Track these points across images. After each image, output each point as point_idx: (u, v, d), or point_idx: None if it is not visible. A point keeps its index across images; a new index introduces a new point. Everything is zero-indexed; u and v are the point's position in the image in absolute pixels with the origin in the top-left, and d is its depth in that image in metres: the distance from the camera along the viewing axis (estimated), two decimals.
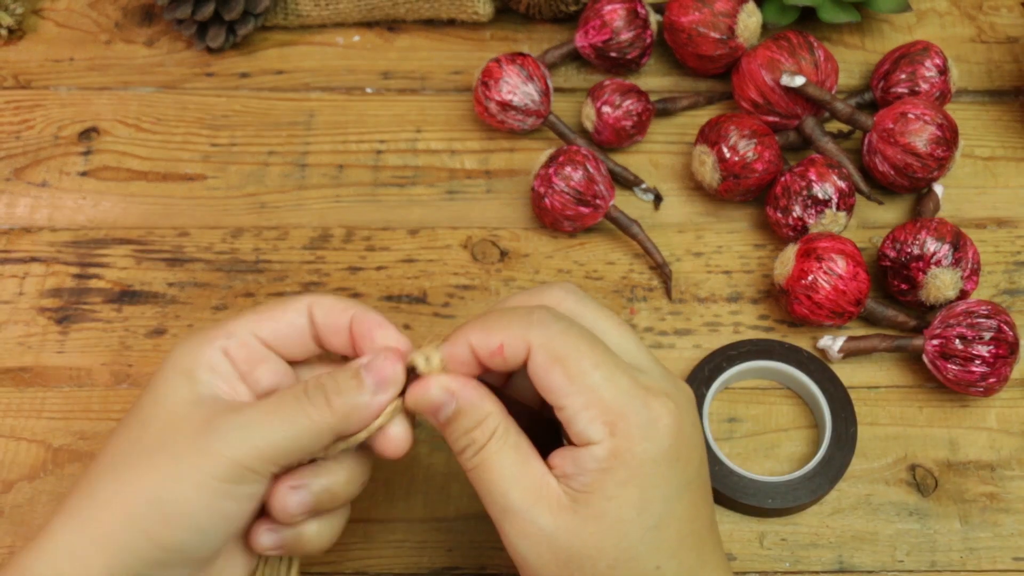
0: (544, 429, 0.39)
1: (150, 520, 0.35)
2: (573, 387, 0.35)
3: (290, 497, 0.37)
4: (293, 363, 0.40)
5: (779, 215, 0.54)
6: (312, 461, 0.38)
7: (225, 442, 0.35)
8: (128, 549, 0.35)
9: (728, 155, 0.54)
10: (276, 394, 0.37)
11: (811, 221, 0.54)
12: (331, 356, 0.41)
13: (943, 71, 0.58)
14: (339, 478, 0.38)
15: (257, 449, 0.36)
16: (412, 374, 0.38)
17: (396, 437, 0.38)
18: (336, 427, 0.37)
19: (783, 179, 0.54)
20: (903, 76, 0.58)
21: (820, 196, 0.53)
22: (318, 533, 0.39)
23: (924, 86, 0.58)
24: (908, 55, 0.58)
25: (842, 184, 0.54)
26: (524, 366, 0.37)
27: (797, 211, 0.54)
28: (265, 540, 0.38)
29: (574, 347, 0.36)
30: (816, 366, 0.51)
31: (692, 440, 0.37)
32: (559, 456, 0.36)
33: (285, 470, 0.37)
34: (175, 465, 0.35)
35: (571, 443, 0.36)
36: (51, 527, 0.36)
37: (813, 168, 0.54)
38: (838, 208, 0.53)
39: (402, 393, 0.38)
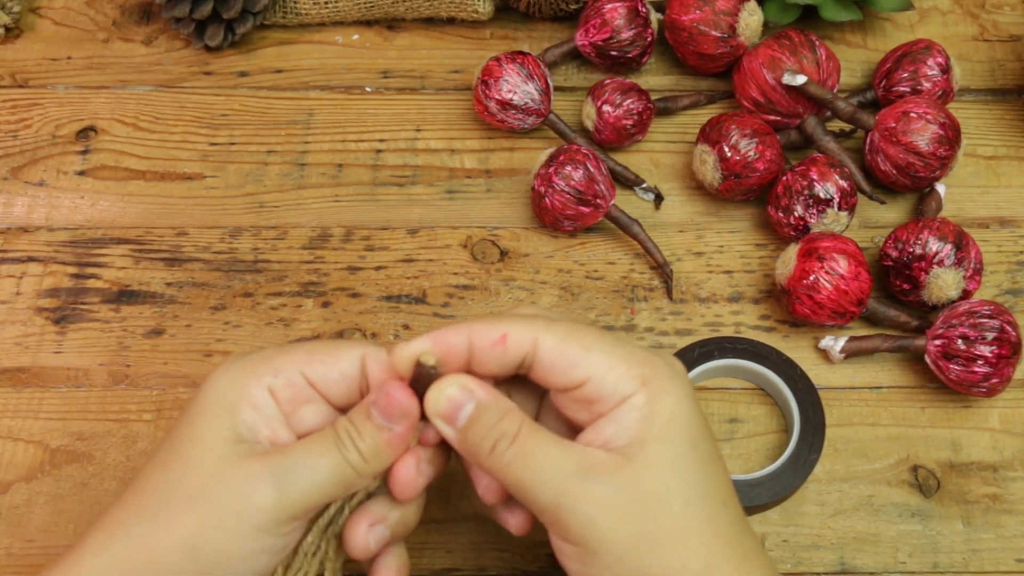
0: None
1: (185, 569, 0.34)
2: (592, 355, 0.36)
3: (370, 535, 0.37)
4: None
5: (780, 215, 0.54)
6: (370, 495, 0.38)
7: (268, 492, 0.35)
8: None
9: (729, 154, 0.54)
10: (311, 439, 0.36)
11: (813, 221, 0.53)
12: None
13: (945, 70, 0.58)
14: (411, 507, 0.38)
15: (302, 496, 0.35)
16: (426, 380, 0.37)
17: (403, 480, 0.37)
18: (373, 469, 0.37)
19: (784, 178, 0.54)
20: (905, 75, 0.58)
21: (822, 195, 0.53)
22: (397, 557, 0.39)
23: (926, 85, 0.57)
24: (910, 54, 0.58)
25: (844, 183, 0.53)
26: (514, 367, 0.37)
27: (799, 211, 0.53)
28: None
29: (579, 329, 0.37)
30: (788, 367, 0.51)
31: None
32: (589, 432, 0.36)
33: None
34: (216, 514, 0.34)
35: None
36: (83, 561, 0.35)
37: (815, 167, 0.53)
38: (840, 208, 0.53)
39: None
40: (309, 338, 0.54)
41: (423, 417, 0.37)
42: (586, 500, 0.34)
